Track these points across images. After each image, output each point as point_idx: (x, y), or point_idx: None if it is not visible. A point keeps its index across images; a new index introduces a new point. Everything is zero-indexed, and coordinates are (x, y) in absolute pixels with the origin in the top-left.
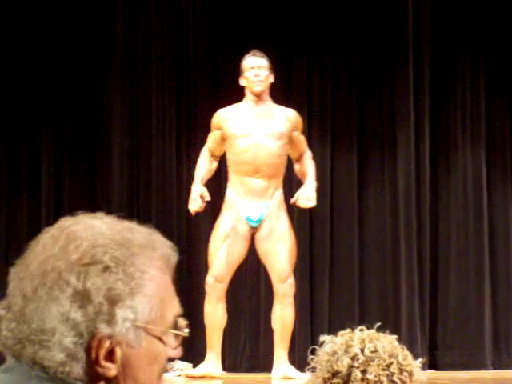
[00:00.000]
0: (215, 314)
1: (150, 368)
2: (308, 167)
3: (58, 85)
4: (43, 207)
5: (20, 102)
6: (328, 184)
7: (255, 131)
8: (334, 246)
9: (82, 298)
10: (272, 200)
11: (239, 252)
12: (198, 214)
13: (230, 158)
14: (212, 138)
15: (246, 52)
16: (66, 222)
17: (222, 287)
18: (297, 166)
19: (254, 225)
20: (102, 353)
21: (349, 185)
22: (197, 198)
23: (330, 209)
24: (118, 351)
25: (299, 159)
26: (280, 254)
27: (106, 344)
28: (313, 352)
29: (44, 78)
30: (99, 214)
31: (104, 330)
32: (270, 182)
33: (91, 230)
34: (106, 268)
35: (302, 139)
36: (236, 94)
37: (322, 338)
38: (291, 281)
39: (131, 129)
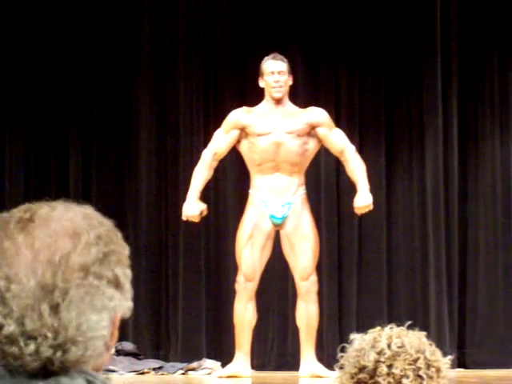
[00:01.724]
0: (245, 313)
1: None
2: (355, 169)
3: (86, 85)
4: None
5: (48, 102)
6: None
7: (275, 129)
8: (362, 245)
9: (115, 284)
10: (295, 197)
11: (265, 250)
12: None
13: (250, 156)
14: (224, 138)
15: (274, 50)
16: (43, 211)
17: (253, 286)
18: (344, 163)
19: (278, 222)
20: (116, 330)
21: (377, 184)
22: (195, 215)
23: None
24: (118, 323)
25: (340, 156)
26: (303, 251)
27: (118, 320)
28: (342, 350)
29: (72, 79)
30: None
31: (121, 307)
32: (291, 179)
33: (82, 217)
34: (115, 251)
35: (332, 135)
36: (262, 92)
37: (352, 335)
38: (313, 278)
39: (159, 128)
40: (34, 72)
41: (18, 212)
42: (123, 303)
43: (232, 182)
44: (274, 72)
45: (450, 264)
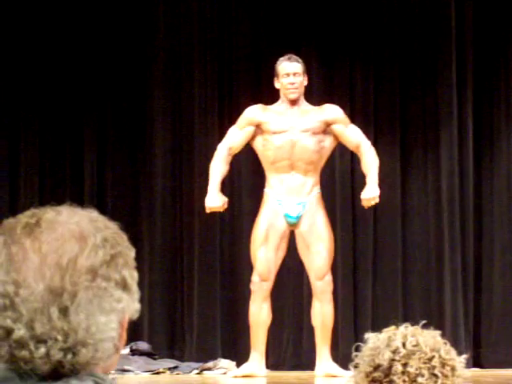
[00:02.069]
0: (260, 313)
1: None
2: (367, 162)
3: (101, 87)
4: (86, 207)
5: (62, 102)
6: None
7: (291, 128)
8: (378, 245)
9: (123, 286)
10: (310, 196)
11: (279, 250)
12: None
13: (265, 154)
14: (238, 133)
15: (288, 50)
16: (49, 215)
17: (268, 286)
18: (360, 157)
19: (292, 221)
20: (124, 331)
21: (392, 183)
22: (219, 206)
23: (373, 207)
24: (126, 324)
25: (357, 151)
26: (318, 251)
27: (126, 321)
28: (357, 349)
29: (87, 80)
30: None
31: (129, 308)
32: (306, 178)
33: (88, 220)
34: (122, 254)
35: (348, 131)
36: (277, 93)
37: (367, 335)
38: (329, 278)
39: (174, 127)
40: (49, 73)
41: (24, 217)
42: (131, 305)
43: (247, 181)
44: (289, 74)
45: (465, 264)
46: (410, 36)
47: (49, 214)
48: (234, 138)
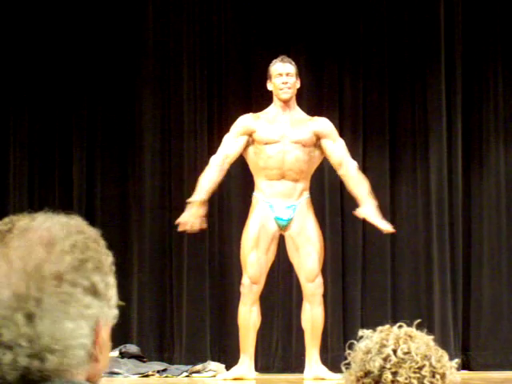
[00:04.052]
0: (250, 316)
1: (109, 341)
2: (360, 183)
3: (90, 89)
4: (75, 209)
5: (51, 105)
6: None
7: (282, 138)
8: (367, 247)
9: (93, 292)
10: (300, 200)
11: (269, 252)
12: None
13: (256, 162)
14: (234, 143)
15: (277, 53)
16: (22, 222)
17: (258, 288)
18: (344, 178)
19: (283, 224)
20: (100, 337)
21: (381, 186)
22: (195, 221)
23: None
24: (104, 332)
25: (339, 168)
26: (308, 253)
27: (102, 328)
28: (350, 347)
29: (75, 82)
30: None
31: (103, 315)
32: (296, 185)
33: (60, 226)
34: (93, 259)
35: (335, 147)
36: (267, 94)
37: (361, 332)
38: (319, 280)
39: (163, 130)
40: (38, 76)
41: (0, 225)
42: (106, 311)
43: (236, 184)
44: (282, 74)
45: (454, 267)
46: (399, 40)
47: (23, 220)
48: (229, 148)
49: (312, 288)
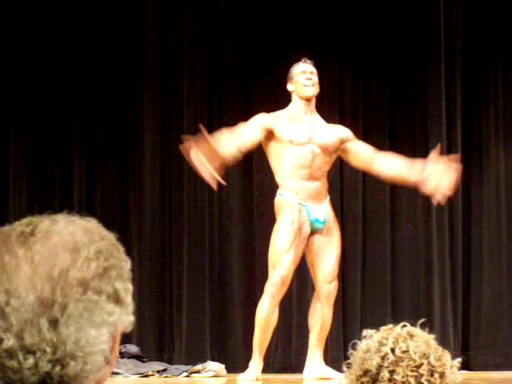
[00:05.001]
0: (272, 316)
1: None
2: (394, 158)
3: (89, 89)
4: (75, 210)
5: (51, 107)
6: (360, 185)
7: (310, 139)
8: (367, 247)
9: (115, 299)
10: (327, 200)
11: (301, 254)
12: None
13: (283, 161)
14: (251, 132)
15: (277, 53)
16: (44, 225)
17: (285, 290)
18: (376, 165)
19: (320, 226)
20: (116, 343)
21: (381, 186)
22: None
23: (362, 210)
24: (119, 337)
25: (371, 161)
26: (330, 254)
27: (119, 334)
28: (353, 347)
29: (75, 82)
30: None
31: (122, 321)
32: (322, 185)
33: (83, 231)
34: (116, 266)
35: (360, 146)
36: (267, 95)
37: (365, 332)
38: (336, 282)
39: (163, 130)
40: (37, 77)
41: (20, 226)
42: (124, 318)
43: (236, 186)
44: (306, 71)
45: (454, 266)
46: (399, 40)
47: (44, 223)
48: (245, 134)
49: (328, 289)
